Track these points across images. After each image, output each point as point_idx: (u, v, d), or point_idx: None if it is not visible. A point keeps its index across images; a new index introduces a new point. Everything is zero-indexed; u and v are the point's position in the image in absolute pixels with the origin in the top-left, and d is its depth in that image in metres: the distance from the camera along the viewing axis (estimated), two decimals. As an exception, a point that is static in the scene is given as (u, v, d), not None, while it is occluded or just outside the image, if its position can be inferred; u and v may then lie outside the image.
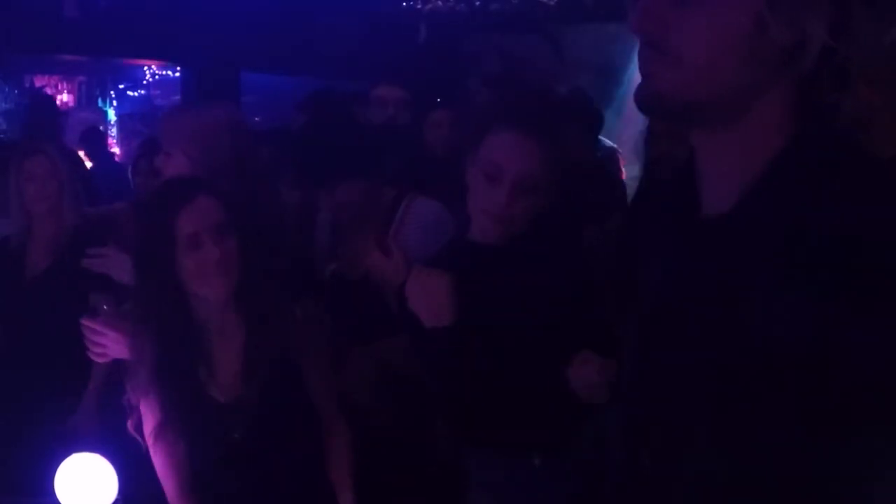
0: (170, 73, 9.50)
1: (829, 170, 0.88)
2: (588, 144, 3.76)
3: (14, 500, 2.57)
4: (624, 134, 4.90)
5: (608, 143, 4.52)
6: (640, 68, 0.95)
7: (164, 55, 7.43)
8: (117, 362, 2.73)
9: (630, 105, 1.08)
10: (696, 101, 0.92)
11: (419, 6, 6.95)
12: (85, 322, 2.26)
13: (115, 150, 9.98)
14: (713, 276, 0.92)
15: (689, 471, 0.93)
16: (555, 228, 1.94)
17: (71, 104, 10.12)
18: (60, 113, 6.12)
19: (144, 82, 10.19)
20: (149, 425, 1.98)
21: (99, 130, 7.84)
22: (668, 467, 0.96)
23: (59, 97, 9.98)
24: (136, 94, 10.22)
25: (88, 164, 6.96)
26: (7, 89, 8.39)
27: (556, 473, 1.93)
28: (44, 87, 9.50)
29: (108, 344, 2.25)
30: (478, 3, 6.90)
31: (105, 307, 2.28)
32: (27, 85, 9.22)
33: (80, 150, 7.11)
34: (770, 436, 0.85)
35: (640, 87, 0.95)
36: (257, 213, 2.20)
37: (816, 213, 0.85)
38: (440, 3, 6.94)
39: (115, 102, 10.32)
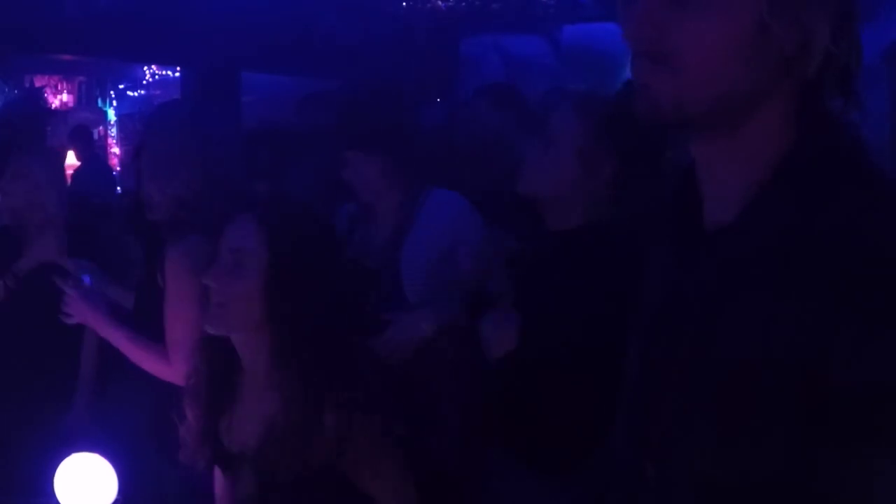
0: (170, 73, 9.50)
1: (832, 179, 0.87)
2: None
3: (14, 500, 2.57)
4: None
5: None
6: (636, 78, 0.92)
7: (165, 55, 7.43)
8: (104, 362, 2.75)
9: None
10: (696, 111, 0.90)
11: (419, 6, 6.95)
12: (58, 282, 2.42)
13: (115, 150, 9.98)
14: (714, 287, 0.91)
15: (691, 480, 0.93)
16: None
17: (71, 104, 10.12)
18: (50, 113, 6.12)
19: (144, 82, 10.19)
20: None
21: (87, 129, 7.83)
22: (670, 476, 0.96)
23: (58, 97, 9.99)
24: (136, 94, 10.22)
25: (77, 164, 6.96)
26: (7, 89, 8.39)
27: (563, 485, 1.92)
28: (44, 87, 9.50)
29: (73, 306, 2.42)
30: (478, 3, 6.90)
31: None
32: (27, 85, 9.23)
33: (70, 149, 7.11)
34: (770, 446, 0.85)
35: (637, 97, 0.93)
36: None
37: (818, 223, 0.84)
38: (440, 2, 6.94)
39: (114, 102, 10.32)
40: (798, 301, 0.83)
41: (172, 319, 2.28)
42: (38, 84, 9.49)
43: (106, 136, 10.07)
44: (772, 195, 0.89)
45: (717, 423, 0.89)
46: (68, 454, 2.01)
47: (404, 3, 7.00)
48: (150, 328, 2.36)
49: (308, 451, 1.65)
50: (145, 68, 9.84)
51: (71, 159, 6.90)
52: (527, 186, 1.98)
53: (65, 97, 10.10)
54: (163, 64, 9.22)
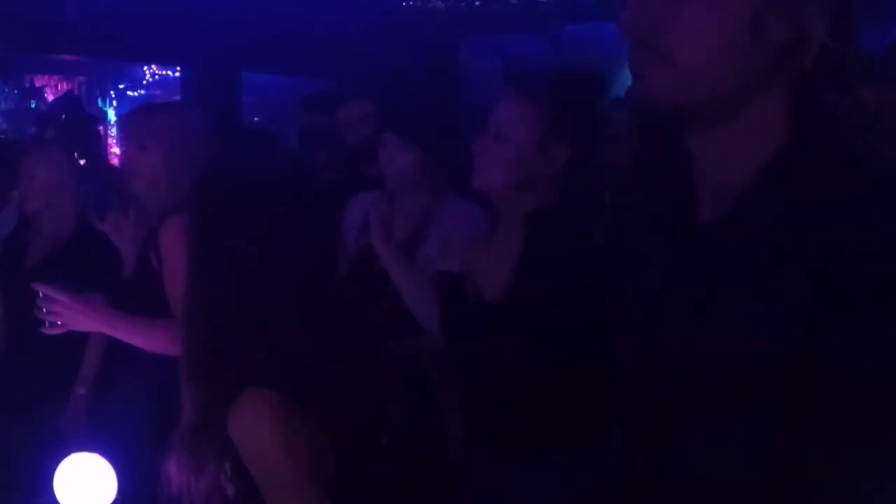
0: (170, 73, 9.49)
1: (825, 175, 0.87)
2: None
3: (14, 500, 2.57)
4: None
5: None
6: (632, 68, 0.93)
7: (165, 55, 7.43)
8: (107, 362, 2.72)
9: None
10: (690, 102, 0.91)
11: (419, 6, 6.95)
12: (42, 289, 2.23)
13: (115, 150, 9.97)
14: (706, 282, 0.92)
15: (683, 477, 0.93)
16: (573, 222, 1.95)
17: (71, 104, 10.10)
18: (93, 118, 6.13)
19: (144, 82, 10.17)
20: None
21: (98, 132, 7.82)
22: (664, 473, 0.96)
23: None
24: (136, 94, 10.21)
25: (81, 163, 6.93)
26: (7, 89, 8.39)
27: (563, 479, 1.92)
28: (44, 87, 9.49)
29: (65, 314, 2.24)
30: (478, 3, 6.89)
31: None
32: (27, 85, 9.22)
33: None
34: (760, 443, 0.85)
35: (633, 88, 0.93)
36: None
37: (809, 219, 0.85)
38: (440, 2, 6.94)
39: (115, 102, 10.30)
40: (788, 294, 0.83)
41: (178, 280, 2.26)
42: (38, 84, 9.49)
43: (106, 136, 10.05)
44: (765, 188, 0.90)
45: (709, 419, 0.89)
46: (68, 454, 2.00)
47: (404, 3, 6.99)
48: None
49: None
50: (145, 68, 9.83)
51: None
52: (486, 182, 1.94)
53: (65, 97, 10.09)
54: (163, 64, 9.21)
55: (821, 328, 0.80)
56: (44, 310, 2.26)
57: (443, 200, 2.45)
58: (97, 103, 10.33)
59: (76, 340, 2.85)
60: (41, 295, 2.24)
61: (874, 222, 0.82)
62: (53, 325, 2.26)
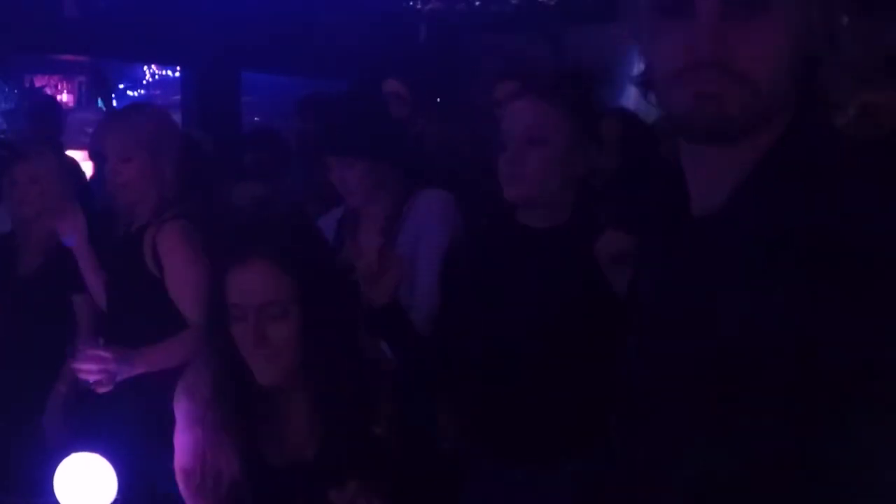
0: (170, 73, 9.49)
1: (816, 167, 0.89)
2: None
3: (14, 500, 2.57)
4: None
5: None
6: (702, 88, 0.92)
7: (165, 55, 7.42)
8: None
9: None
10: (756, 120, 0.93)
11: (419, 6, 6.94)
12: (91, 352, 2.39)
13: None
14: (703, 276, 0.93)
15: (684, 470, 0.94)
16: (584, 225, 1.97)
17: (71, 104, 10.09)
18: (63, 113, 6.11)
19: (144, 82, 10.17)
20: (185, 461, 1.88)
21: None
22: (664, 466, 0.97)
23: (58, 97, 9.95)
24: (136, 94, 10.20)
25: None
26: (7, 89, 8.38)
27: (556, 480, 1.92)
28: (44, 87, 9.48)
29: (113, 368, 2.39)
30: (478, 3, 6.89)
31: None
32: (27, 85, 9.21)
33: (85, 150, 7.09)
34: (763, 433, 0.86)
35: (700, 108, 0.92)
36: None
37: (802, 210, 0.87)
38: (440, 3, 6.93)
39: (115, 103, 10.29)
40: (785, 283, 0.84)
41: (184, 287, 2.34)
42: (38, 84, 9.48)
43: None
44: (757, 184, 0.92)
45: (709, 411, 0.90)
46: (68, 454, 2.01)
47: (404, 3, 6.99)
48: (142, 318, 2.48)
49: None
50: (145, 68, 9.82)
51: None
52: (524, 190, 1.95)
53: (65, 97, 10.08)
54: (163, 64, 9.20)
55: (819, 314, 0.81)
56: (94, 370, 2.40)
57: (410, 199, 2.46)
58: (97, 103, 10.32)
59: (68, 346, 2.85)
60: (89, 355, 2.39)
61: (867, 211, 0.84)
62: (105, 383, 2.41)
